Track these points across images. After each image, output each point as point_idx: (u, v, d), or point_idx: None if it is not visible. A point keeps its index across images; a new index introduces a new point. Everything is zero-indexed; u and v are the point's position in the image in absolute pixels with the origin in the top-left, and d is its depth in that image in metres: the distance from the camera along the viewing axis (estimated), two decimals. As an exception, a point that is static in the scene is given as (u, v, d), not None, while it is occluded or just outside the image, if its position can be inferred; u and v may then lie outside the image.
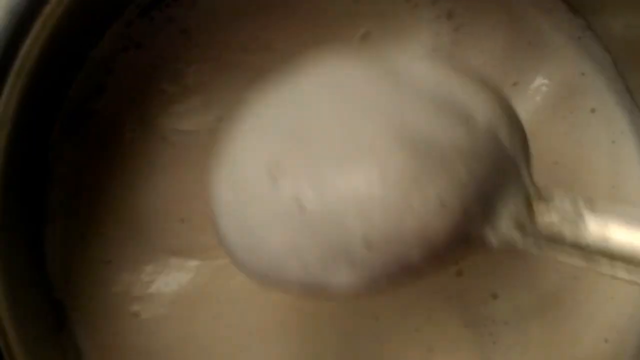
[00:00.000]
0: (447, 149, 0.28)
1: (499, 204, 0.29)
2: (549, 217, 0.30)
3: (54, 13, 0.35)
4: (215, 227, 0.30)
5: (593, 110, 0.42)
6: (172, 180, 0.41)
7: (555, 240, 0.29)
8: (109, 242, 0.40)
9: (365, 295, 0.30)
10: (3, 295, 0.34)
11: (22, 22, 0.34)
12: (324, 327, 0.40)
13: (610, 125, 0.42)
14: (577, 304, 0.41)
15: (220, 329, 0.40)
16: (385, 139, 0.28)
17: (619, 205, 0.31)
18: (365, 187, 0.27)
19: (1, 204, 0.35)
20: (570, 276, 0.41)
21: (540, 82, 0.42)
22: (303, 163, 0.28)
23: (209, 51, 0.41)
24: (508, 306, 0.41)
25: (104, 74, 0.41)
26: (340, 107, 0.29)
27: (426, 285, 0.34)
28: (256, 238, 0.29)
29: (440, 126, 0.29)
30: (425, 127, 0.28)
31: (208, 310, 0.40)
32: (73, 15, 0.36)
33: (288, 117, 0.29)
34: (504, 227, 0.29)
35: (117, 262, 0.40)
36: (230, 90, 0.40)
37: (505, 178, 0.30)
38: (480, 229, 0.29)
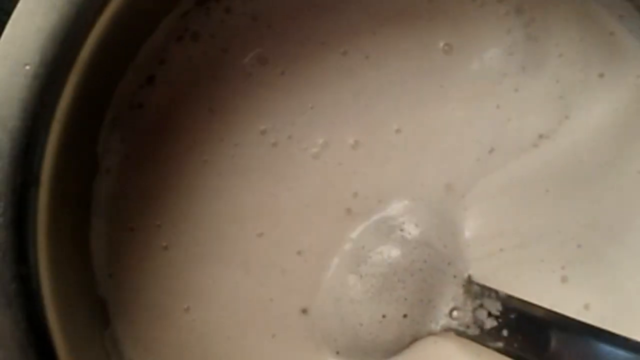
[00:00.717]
0: (385, 268, 0.39)
1: (436, 300, 0.39)
2: (474, 308, 0.39)
3: (112, 3, 0.34)
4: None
5: None
6: (232, 183, 0.40)
7: (481, 328, 0.39)
8: (158, 235, 0.40)
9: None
10: (50, 293, 0.34)
11: (80, 12, 0.33)
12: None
13: None
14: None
15: (271, 347, 0.40)
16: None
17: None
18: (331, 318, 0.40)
19: (50, 198, 0.34)
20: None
21: (629, 79, 0.41)
22: None
23: (283, 40, 0.40)
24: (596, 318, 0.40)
25: (156, 64, 0.40)
26: None
27: (529, 289, 0.39)
28: None
29: (379, 251, 0.39)
30: (368, 254, 0.39)
31: (264, 327, 0.40)
32: (129, 5, 0.35)
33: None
34: (443, 318, 0.39)
35: (171, 251, 0.40)
36: (314, 82, 0.40)
37: (441, 276, 0.39)
38: (423, 325, 0.39)
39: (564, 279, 0.40)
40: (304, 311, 0.40)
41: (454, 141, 0.40)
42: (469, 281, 0.40)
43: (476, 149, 0.40)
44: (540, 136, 0.40)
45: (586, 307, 0.40)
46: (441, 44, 0.40)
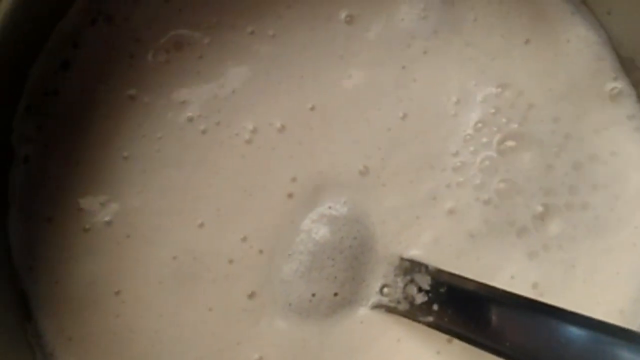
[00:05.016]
0: (314, 246, 0.39)
1: (367, 277, 0.39)
2: (404, 284, 0.39)
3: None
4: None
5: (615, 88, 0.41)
6: (161, 178, 0.39)
7: (411, 304, 0.38)
8: (79, 219, 0.39)
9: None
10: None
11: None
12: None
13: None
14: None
15: (207, 320, 0.39)
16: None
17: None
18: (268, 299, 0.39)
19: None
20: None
21: (559, 45, 0.40)
22: None
23: (194, 24, 0.39)
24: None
25: (70, 48, 0.39)
26: None
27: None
28: None
29: (307, 229, 0.39)
30: (297, 233, 0.39)
31: (200, 302, 0.39)
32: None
33: None
34: (374, 295, 0.39)
35: (94, 233, 0.39)
36: (230, 65, 0.39)
37: (371, 253, 0.39)
38: (354, 303, 0.39)
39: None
40: (252, 295, 0.39)
41: (361, 112, 0.40)
42: (400, 257, 0.39)
43: (384, 116, 0.40)
44: (457, 102, 0.40)
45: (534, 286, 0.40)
46: (343, 15, 0.40)
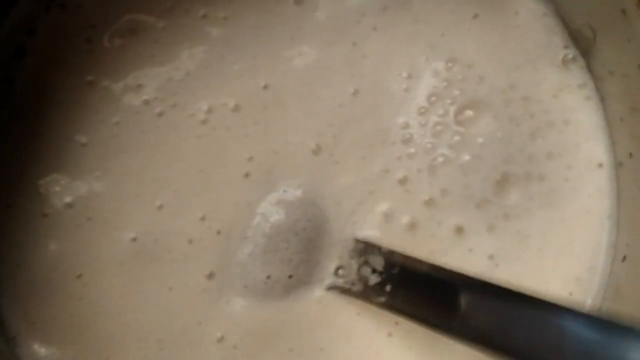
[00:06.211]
0: (269, 229, 0.39)
1: (322, 259, 0.39)
2: (359, 266, 0.39)
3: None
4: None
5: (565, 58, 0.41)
6: (119, 163, 0.40)
7: (365, 285, 0.38)
8: (40, 203, 0.39)
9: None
10: None
11: None
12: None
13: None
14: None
15: (168, 299, 0.39)
16: None
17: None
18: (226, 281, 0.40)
19: None
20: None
21: (507, 19, 0.41)
22: None
23: (148, 9, 0.40)
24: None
25: (25, 35, 0.39)
26: None
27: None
28: None
29: (262, 212, 0.39)
30: (252, 216, 0.39)
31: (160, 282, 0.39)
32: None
33: None
34: (329, 277, 0.39)
35: (52, 222, 0.39)
36: (185, 48, 0.40)
37: (326, 235, 0.39)
38: (308, 284, 0.39)
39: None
40: (210, 275, 0.39)
41: (313, 90, 0.40)
42: (354, 239, 0.39)
43: (335, 93, 0.40)
44: (409, 77, 0.40)
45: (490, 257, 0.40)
46: None
